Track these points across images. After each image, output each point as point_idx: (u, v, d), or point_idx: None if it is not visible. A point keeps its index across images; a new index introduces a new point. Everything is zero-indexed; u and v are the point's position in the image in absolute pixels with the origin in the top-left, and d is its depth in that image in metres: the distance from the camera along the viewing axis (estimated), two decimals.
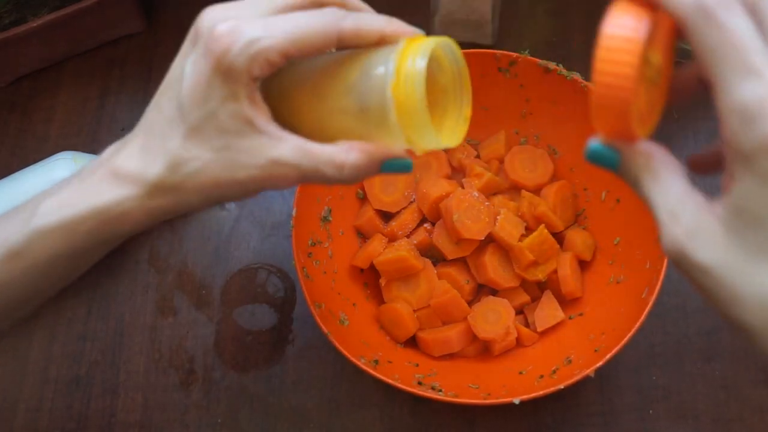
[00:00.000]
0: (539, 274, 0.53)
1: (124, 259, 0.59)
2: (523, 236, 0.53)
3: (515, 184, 0.56)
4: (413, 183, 0.56)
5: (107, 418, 0.54)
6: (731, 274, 0.24)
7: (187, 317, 0.57)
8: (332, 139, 0.32)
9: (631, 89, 0.24)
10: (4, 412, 0.55)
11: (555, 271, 0.53)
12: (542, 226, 0.53)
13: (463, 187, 0.55)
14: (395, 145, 0.31)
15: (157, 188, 0.31)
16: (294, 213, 0.50)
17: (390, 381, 0.45)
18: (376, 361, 0.49)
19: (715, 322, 0.54)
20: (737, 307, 0.24)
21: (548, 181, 0.56)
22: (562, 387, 0.44)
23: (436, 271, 0.54)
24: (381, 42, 0.31)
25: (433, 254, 0.55)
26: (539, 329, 0.53)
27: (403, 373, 0.49)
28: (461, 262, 0.54)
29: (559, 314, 0.52)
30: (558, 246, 0.54)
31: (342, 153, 0.31)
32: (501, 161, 0.57)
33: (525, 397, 0.44)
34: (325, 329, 0.47)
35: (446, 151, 0.58)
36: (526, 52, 0.53)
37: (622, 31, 0.25)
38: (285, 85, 0.32)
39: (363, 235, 0.57)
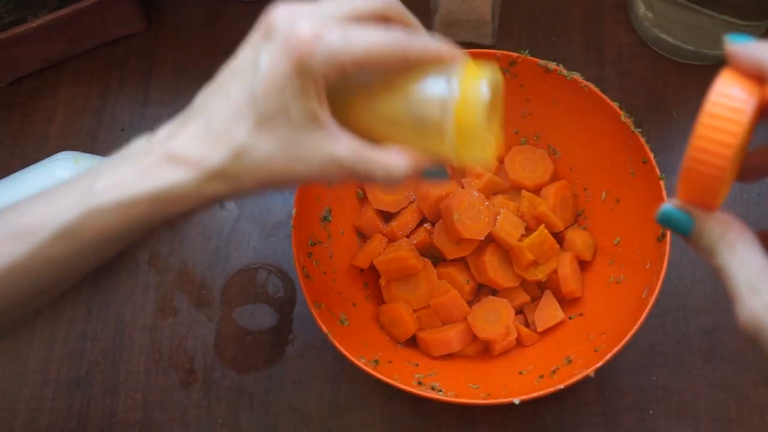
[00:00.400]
0: (539, 274, 0.53)
1: (124, 259, 0.59)
2: (523, 236, 0.53)
3: (515, 184, 0.56)
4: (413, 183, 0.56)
5: (107, 418, 0.54)
6: None
7: (187, 317, 0.57)
8: (378, 140, 0.34)
9: (730, 162, 0.24)
10: (4, 412, 0.55)
11: (555, 271, 0.53)
12: (542, 226, 0.53)
13: (463, 187, 0.55)
14: (439, 156, 0.34)
15: (217, 175, 0.31)
16: (294, 213, 0.50)
17: (390, 381, 0.45)
18: (376, 361, 0.49)
19: (715, 322, 0.54)
20: None
21: (548, 181, 0.56)
22: (562, 387, 0.44)
23: (436, 271, 0.54)
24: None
25: (433, 254, 0.55)
26: (539, 329, 0.53)
27: (403, 373, 0.49)
28: (461, 262, 0.54)
29: (559, 314, 0.52)
30: (558, 246, 0.54)
31: (393, 158, 0.33)
32: (501, 161, 0.57)
33: (525, 397, 0.44)
34: (325, 329, 0.47)
35: None
36: (526, 52, 0.53)
37: (731, 101, 0.24)
38: (342, 85, 0.34)
39: (363, 235, 0.57)
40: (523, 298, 0.53)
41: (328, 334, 0.46)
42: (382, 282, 0.54)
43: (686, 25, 0.59)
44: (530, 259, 0.52)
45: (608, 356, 0.44)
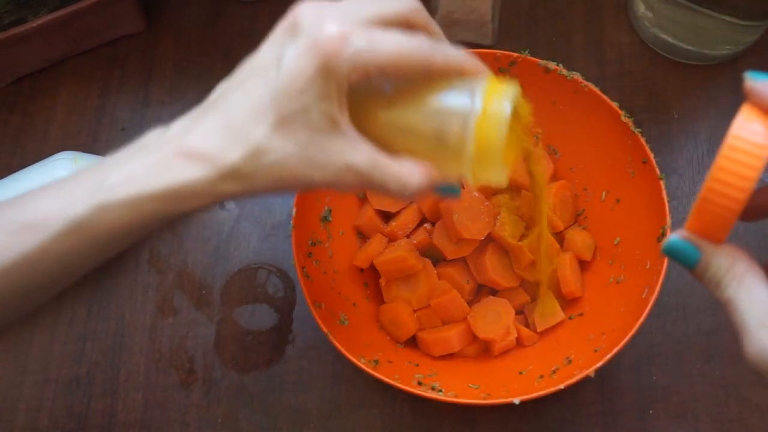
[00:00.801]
0: (539, 274, 0.53)
1: (124, 259, 0.59)
2: (523, 236, 0.53)
3: (515, 184, 0.56)
4: None
5: (107, 418, 0.54)
6: None
7: (187, 317, 0.57)
8: (392, 151, 0.33)
9: (747, 197, 0.24)
10: (4, 412, 0.55)
11: (555, 271, 0.53)
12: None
13: (463, 187, 0.55)
14: (455, 173, 0.33)
15: (232, 173, 0.30)
16: (294, 213, 0.50)
17: (390, 381, 0.45)
18: (376, 361, 0.49)
19: (715, 322, 0.54)
20: None
21: (548, 181, 0.56)
22: (562, 387, 0.44)
23: (436, 271, 0.54)
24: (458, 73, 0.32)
25: (433, 254, 0.55)
26: (539, 329, 0.53)
27: (403, 373, 0.49)
28: (461, 262, 0.54)
29: (559, 314, 0.52)
30: (558, 246, 0.54)
31: (408, 171, 0.32)
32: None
33: (525, 397, 0.44)
34: (325, 329, 0.47)
35: None
36: (526, 52, 0.53)
37: (753, 136, 0.25)
38: (362, 92, 0.33)
39: (363, 235, 0.57)
40: (523, 298, 0.53)
41: (328, 334, 0.46)
42: (382, 282, 0.54)
43: (686, 25, 0.59)
44: (530, 259, 0.52)
45: (608, 356, 0.44)
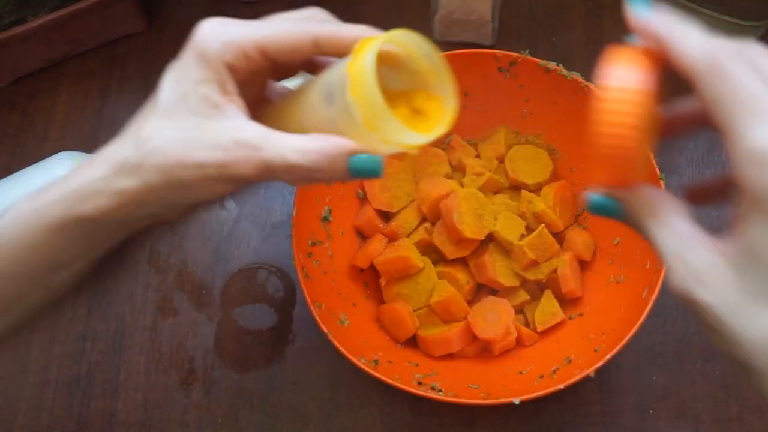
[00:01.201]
0: (539, 274, 0.53)
1: (124, 259, 0.59)
2: (523, 236, 0.53)
3: (515, 183, 0.56)
4: (413, 182, 0.56)
5: (107, 418, 0.54)
6: (737, 316, 0.24)
7: (187, 317, 0.57)
8: None
9: (639, 144, 0.24)
10: (4, 412, 0.55)
11: (555, 271, 0.53)
12: (542, 225, 0.53)
13: (463, 187, 0.55)
14: (361, 142, 0.31)
15: (121, 166, 0.31)
16: (294, 213, 0.50)
17: (390, 381, 0.45)
18: (376, 361, 0.49)
19: None
20: (742, 349, 0.24)
21: (548, 181, 0.56)
22: (562, 387, 0.44)
23: (436, 271, 0.54)
24: None
25: (433, 254, 0.55)
26: (539, 329, 0.53)
27: (403, 373, 0.49)
28: (461, 262, 0.54)
29: (559, 314, 0.52)
30: (558, 246, 0.54)
31: (307, 140, 0.31)
32: (501, 160, 0.57)
33: (525, 397, 0.44)
34: (325, 329, 0.47)
35: (445, 150, 0.58)
36: (526, 52, 0.53)
37: (628, 83, 0.25)
38: (275, 111, 0.34)
39: (363, 235, 0.57)
40: (523, 298, 0.53)
41: (328, 334, 0.46)
42: (382, 282, 0.54)
43: None
44: (530, 259, 0.52)
45: (608, 356, 0.44)
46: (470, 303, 0.53)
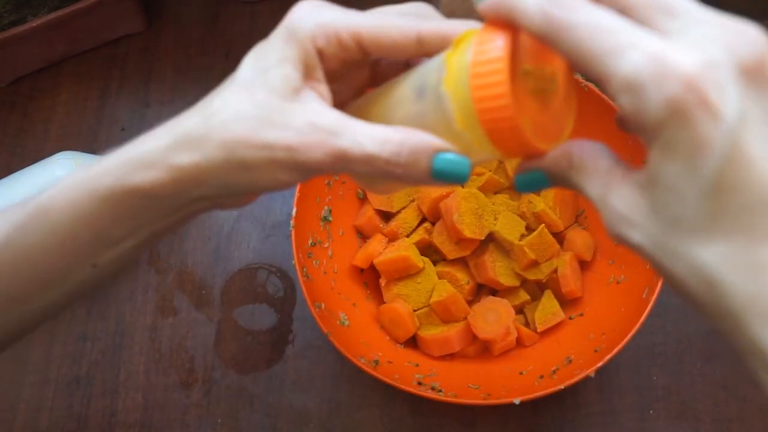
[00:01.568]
0: (539, 274, 0.53)
1: None
2: (523, 236, 0.53)
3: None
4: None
5: (107, 418, 0.54)
6: (661, 252, 0.24)
7: (187, 317, 0.57)
8: None
9: (511, 105, 0.24)
10: (4, 412, 0.55)
11: (555, 271, 0.53)
12: (542, 225, 0.53)
13: (463, 187, 0.55)
14: (465, 149, 0.28)
15: (184, 138, 0.29)
16: (294, 213, 0.50)
17: (390, 381, 0.45)
18: (376, 361, 0.49)
19: None
20: (677, 284, 0.24)
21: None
22: (562, 387, 0.44)
23: (436, 271, 0.54)
24: None
25: (433, 254, 0.55)
26: (539, 329, 0.53)
27: (403, 373, 0.49)
28: (461, 262, 0.54)
29: (559, 314, 0.52)
30: (558, 246, 0.54)
31: (390, 131, 0.28)
32: (501, 160, 0.57)
33: (525, 397, 0.44)
34: (325, 329, 0.47)
35: None
36: None
37: (483, 55, 0.25)
38: (360, 104, 0.31)
39: (363, 235, 0.57)
40: (523, 298, 0.53)
41: (328, 334, 0.46)
42: (382, 282, 0.54)
43: None
44: (530, 259, 0.52)
45: (608, 356, 0.44)
46: (470, 303, 0.53)
